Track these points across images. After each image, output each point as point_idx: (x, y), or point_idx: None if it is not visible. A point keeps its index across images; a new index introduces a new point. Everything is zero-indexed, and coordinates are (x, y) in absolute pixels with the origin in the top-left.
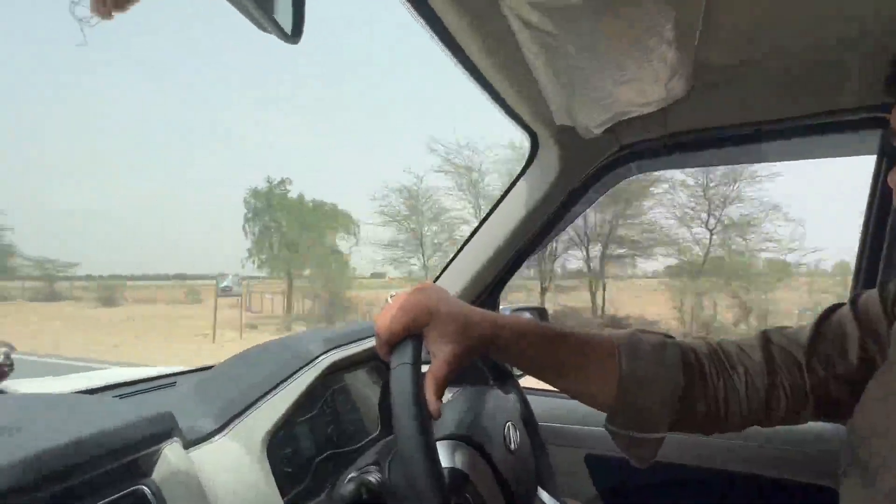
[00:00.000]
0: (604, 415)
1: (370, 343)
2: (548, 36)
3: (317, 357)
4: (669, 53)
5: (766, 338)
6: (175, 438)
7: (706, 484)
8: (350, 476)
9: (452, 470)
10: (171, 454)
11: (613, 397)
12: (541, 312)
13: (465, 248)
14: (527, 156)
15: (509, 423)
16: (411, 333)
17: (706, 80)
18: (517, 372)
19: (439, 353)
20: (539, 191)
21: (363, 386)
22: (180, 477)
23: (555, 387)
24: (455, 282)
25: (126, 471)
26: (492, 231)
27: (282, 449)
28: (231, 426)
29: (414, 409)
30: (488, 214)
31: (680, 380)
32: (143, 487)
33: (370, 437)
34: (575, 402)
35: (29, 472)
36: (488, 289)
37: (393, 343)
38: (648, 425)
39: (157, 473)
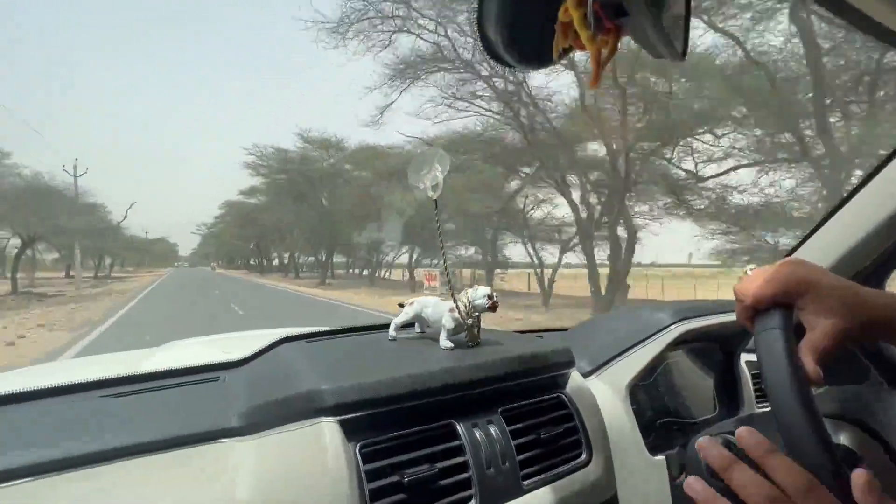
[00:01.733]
0: None
1: (718, 319)
2: None
3: (668, 326)
4: None
5: None
6: (575, 368)
7: None
8: (713, 435)
9: (836, 446)
10: (576, 377)
11: None
12: None
13: (836, 216)
14: None
15: None
16: (779, 303)
17: None
18: None
19: (819, 326)
20: None
21: (697, 366)
22: (584, 393)
23: None
24: (818, 259)
25: (551, 382)
26: (880, 195)
27: (632, 403)
28: (601, 370)
29: (790, 371)
30: (873, 173)
31: None
32: (562, 395)
33: (706, 417)
34: None
35: (517, 364)
36: (868, 270)
37: (758, 309)
38: None
39: (569, 388)
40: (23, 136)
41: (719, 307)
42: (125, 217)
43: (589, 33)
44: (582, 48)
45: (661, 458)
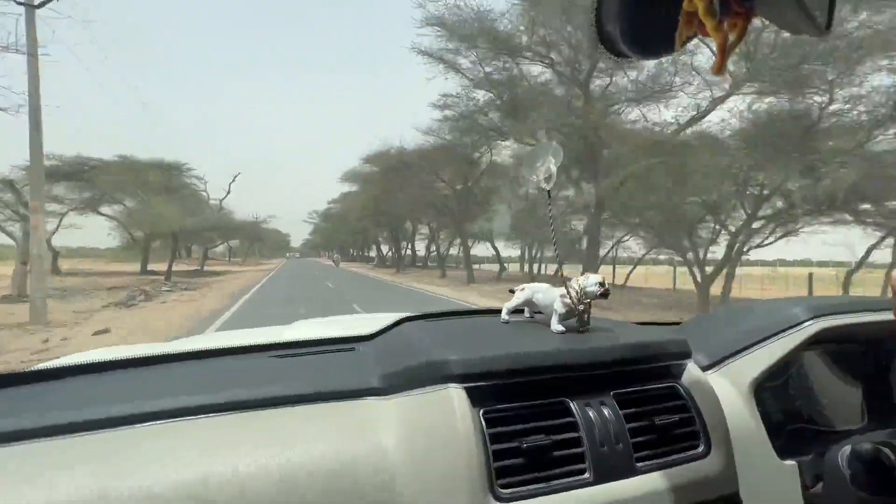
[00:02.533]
0: None
1: (867, 317)
2: None
3: (802, 322)
4: None
5: None
6: (692, 360)
7: None
8: (865, 444)
9: None
10: (693, 368)
11: None
12: None
13: None
14: None
15: None
16: None
17: None
18: None
19: None
20: None
21: (840, 370)
22: (702, 385)
23: None
24: None
25: (664, 371)
26: None
27: (757, 404)
28: (721, 365)
29: None
30: None
31: None
32: (677, 385)
33: (850, 427)
34: None
35: (630, 350)
36: None
37: None
38: None
39: (685, 378)
40: None
41: (869, 304)
42: (228, 192)
43: (715, 21)
44: (707, 35)
45: (792, 463)
